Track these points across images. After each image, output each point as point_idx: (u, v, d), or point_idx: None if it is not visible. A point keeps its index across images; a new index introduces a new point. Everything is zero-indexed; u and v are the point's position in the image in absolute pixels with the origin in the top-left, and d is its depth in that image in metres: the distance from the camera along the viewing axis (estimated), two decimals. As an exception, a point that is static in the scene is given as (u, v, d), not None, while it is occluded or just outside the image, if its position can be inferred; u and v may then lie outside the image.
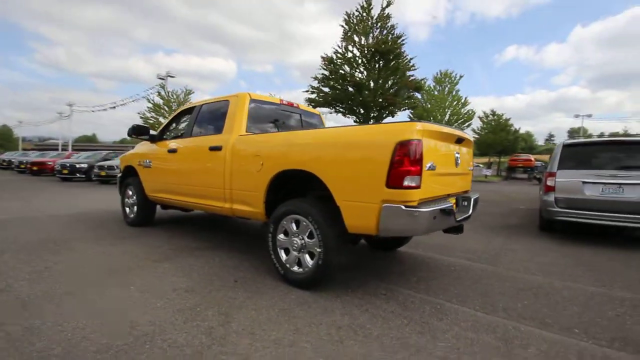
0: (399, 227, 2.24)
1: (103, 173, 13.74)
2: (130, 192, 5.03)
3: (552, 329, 2.24)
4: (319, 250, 2.59)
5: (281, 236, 2.89)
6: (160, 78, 22.38)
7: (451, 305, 2.56)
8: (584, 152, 4.87)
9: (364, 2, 10.96)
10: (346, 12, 11.18)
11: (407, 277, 3.16)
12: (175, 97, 14.13)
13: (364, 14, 11.00)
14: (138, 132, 4.39)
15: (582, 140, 5.25)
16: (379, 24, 10.72)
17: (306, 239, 2.71)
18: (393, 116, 12.27)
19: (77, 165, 15.06)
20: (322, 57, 11.47)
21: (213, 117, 3.87)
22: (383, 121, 12.25)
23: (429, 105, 19.92)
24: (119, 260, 3.32)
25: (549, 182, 4.91)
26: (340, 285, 2.83)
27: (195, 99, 14.40)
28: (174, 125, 4.65)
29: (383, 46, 10.08)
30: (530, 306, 2.58)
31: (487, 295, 2.78)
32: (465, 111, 20.65)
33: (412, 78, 11.08)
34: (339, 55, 11.19)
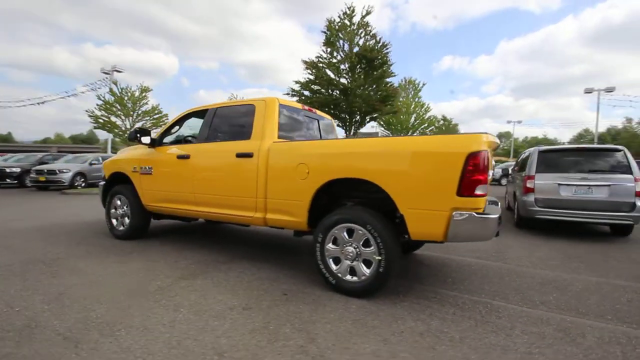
0: (469, 233, 2.36)
1: (42, 178, 12.11)
2: (119, 202, 4.53)
3: (590, 317, 2.53)
4: (378, 258, 2.61)
5: (330, 245, 2.85)
6: (105, 72, 20.24)
7: (498, 303, 2.75)
8: (557, 157, 5.54)
9: (347, 9, 11.19)
10: (327, 19, 11.37)
11: (441, 278, 3.32)
12: (129, 94, 12.90)
13: (346, 21, 11.22)
14: (142, 136, 3.97)
15: (555, 147, 5.97)
16: (362, 32, 11.02)
17: (362, 248, 2.71)
18: (375, 121, 12.69)
19: (8, 170, 13.03)
20: (304, 62, 11.44)
21: (234, 121, 3.66)
22: (364, 127, 12.59)
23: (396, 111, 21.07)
24: (140, 279, 2.99)
25: (529, 184, 5.50)
26: (388, 292, 2.87)
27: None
28: (175, 129, 4.29)
29: (371, 53, 10.38)
30: (560, 298, 2.88)
31: (519, 291, 3.04)
32: (428, 117, 22.15)
33: (389, 84, 11.57)
34: (321, 60, 11.25)
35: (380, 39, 10.93)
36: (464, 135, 2.43)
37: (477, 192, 2.31)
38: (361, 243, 2.71)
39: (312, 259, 2.98)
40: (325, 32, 11.16)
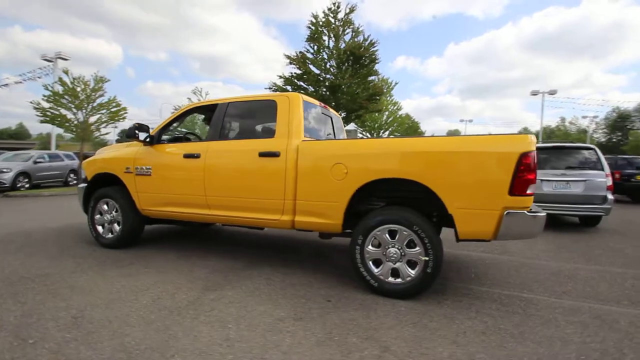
0: (519, 231, 2.42)
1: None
2: (106, 207, 4.04)
3: (611, 304, 2.75)
4: (425, 258, 2.59)
5: (371, 247, 2.78)
6: (47, 60, 18.04)
7: (528, 295, 2.88)
8: (538, 154, 5.97)
9: (332, 5, 11.02)
10: (312, 14, 11.10)
11: (465, 274, 3.40)
12: (83, 84, 11.52)
13: (331, 18, 11.04)
14: (140, 132, 3.54)
15: (536, 145, 6.42)
16: (347, 28, 10.92)
17: (406, 249, 2.68)
18: (359, 119, 12.68)
19: None
20: (288, 56, 11.07)
21: (251, 118, 3.42)
22: (348, 125, 12.42)
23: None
24: (161, 294, 2.67)
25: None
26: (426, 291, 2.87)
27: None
28: (174, 125, 3.91)
29: (361, 50, 10.32)
30: (577, 287, 3.10)
31: (540, 282, 3.22)
32: (399, 115, 22.87)
33: (374, 82, 11.66)
34: (306, 56, 10.94)
35: (368, 36, 11.04)
36: (515, 135, 2.49)
37: (528, 191, 2.38)
38: (405, 244, 2.68)
39: (344, 261, 2.89)
40: (310, 28, 10.96)
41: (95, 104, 11.96)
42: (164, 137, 3.89)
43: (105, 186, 4.13)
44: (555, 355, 1.95)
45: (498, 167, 2.42)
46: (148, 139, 3.67)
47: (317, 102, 3.72)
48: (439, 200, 2.58)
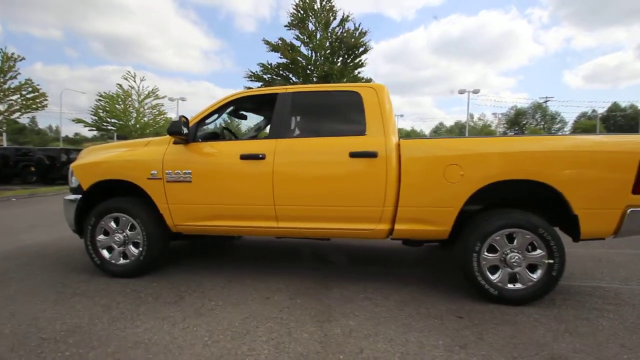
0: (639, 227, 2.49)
1: None
2: (115, 225, 3.09)
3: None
4: (550, 261, 2.52)
5: (487, 254, 2.60)
6: None
7: (599, 285, 3.02)
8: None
9: None
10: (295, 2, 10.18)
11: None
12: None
13: (310, 3, 10.28)
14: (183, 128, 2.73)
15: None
16: (331, 15, 10.31)
17: (526, 252, 2.57)
18: None
19: None
20: (266, 42, 10.02)
21: (326, 112, 2.91)
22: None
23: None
24: (272, 335, 2.09)
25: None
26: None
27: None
28: (213, 118, 3.16)
29: (352, 40, 9.82)
30: (631, 272, 3.38)
31: (594, 270, 3.43)
32: None
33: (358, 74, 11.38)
34: (291, 44, 10.05)
35: (359, 25, 10.68)
36: (635, 135, 2.54)
37: (650, 189, 2.45)
38: (525, 247, 2.57)
39: (452, 269, 2.67)
40: (296, 12, 10.14)
41: (4, 87, 9.36)
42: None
43: (107, 197, 3.16)
44: None
45: (622, 167, 2.44)
46: (184, 137, 2.88)
47: None
48: (560, 201, 2.52)
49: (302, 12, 10.38)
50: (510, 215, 2.59)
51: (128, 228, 3.09)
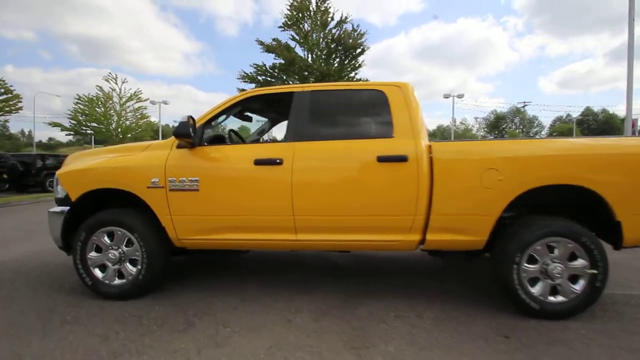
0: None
1: None
2: (109, 240, 2.74)
3: None
4: (593, 271, 2.35)
5: (527, 265, 2.42)
6: None
7: (630, 292, 2.90)
8: None
9: None
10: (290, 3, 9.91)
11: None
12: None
13: (312, 3, 10.05)
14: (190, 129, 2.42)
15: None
16: (326, 16, 10.08)
17: (567, 263, 2.40)
18: None
19: None
20: (260, 42, 9.66)
21: (348, 112, 2.68)
22: None
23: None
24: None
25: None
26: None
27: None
28: (221, 119, 2.86)
29: (350, 41, 9.61)
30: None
31: (622, 276, 3.33)
32: None
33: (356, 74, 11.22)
34: (286, 45, 9.76)
35: (358, 26, 10.50)
36: None
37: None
38: (567, 257, 2.40)
39: (478, 280, 2.47)
40: (291, 12, 9.89)
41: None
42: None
43: (98, 209, 2.80)
44: None
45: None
46: (192, 139, 2.57)
47: None
48: (600, 206, 2.37)
49: (296, 12, 10.16)
50: (552, 223, 2.42)
51: (124, 243, 2.74)
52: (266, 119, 3.91)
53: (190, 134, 2.46)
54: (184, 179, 2.62)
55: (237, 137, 3.41)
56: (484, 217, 2.43)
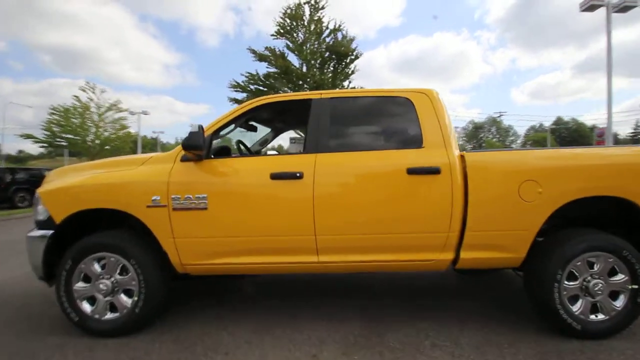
0: None
1: None
2: (100, 268, 2.38)
3: None
4: (634, 287, 2.22)
5: (567, 282, 2.26)
6: None
7: None
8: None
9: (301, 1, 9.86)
10: (283, 7, 9.76)
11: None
12: None
13: (305, 11, 9.90)
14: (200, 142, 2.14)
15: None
16: (320, 25, 9.94)
17: (608, 278, 2.25)
18: None
19: None
20: (252, 50, 9.36)
21: (371, 121, 2.48)
22: None
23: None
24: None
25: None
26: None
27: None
28: (229, 129, 2.59)
29: (342, 48, 9.47)
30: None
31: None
32: None
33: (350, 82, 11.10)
34: (281, 52, 9.51)
35: (346, 32, 10.39)
36: None
37: None
38: (607, 272, 2.26)
39: (500, 297, 2.29)
40: (284, 20, 9.70)
41: None
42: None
43: (86, 232, 2.45)
44: None
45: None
46: (202, 151, 2.28)
47: None
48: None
49: (290, 20, 10.04)
50: (592, 236, 2.28)
51: (118, 272, 2.39)
52: (269, 129, 3.67)
53: (202, 146, 2.17)
54: (190, 196, 2.32)
55: (246, 149, 3.13)
56: (523, 232, 2.26)
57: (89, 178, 2.49)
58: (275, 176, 2.30)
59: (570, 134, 57.49)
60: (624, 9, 10.29)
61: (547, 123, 55.59)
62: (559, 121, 58.20)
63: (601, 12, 10.62)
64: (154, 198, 2.33)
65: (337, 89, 2.60)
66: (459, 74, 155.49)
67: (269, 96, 2.54)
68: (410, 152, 2.34)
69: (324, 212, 2.28)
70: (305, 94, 2.53)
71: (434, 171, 2.25)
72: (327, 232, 2.29)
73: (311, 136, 2.43)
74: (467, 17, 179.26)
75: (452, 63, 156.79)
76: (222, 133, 2.59)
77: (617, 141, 40.76)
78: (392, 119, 2.54)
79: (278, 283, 3.53)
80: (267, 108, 2.66)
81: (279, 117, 3.20)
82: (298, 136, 10.12)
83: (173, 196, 2.33)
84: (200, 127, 2.19)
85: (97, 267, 2.40)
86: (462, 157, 2.32)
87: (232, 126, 2.61)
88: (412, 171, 2.26)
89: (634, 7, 10.16)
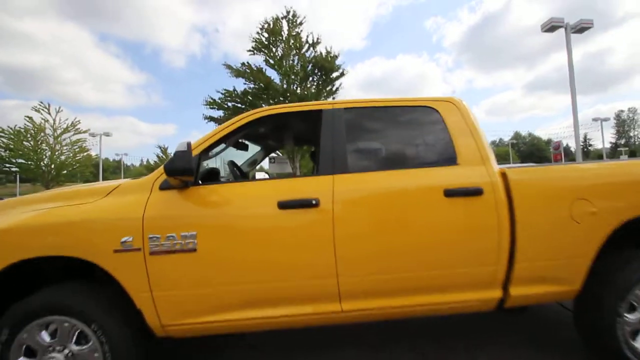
0: None
1: None
2: (48, 337, 1.76)
3: None
4: None
5: (629, 315, 1.94)
6: None
7: None
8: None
9: (285, 12, 9.57)
10: (261, 22, 9.37)
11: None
12: None
13: (283, 26, 9.58)
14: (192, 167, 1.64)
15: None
16: (298, 41, 9.63)
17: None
18: None
19: None
20: (228, 66, 8.81)
21: (398, 135, 2.11)
22: None
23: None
24: None
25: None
26: None
27: None
28: (220, 148, 2.11)
29: (327, 64, 9.16)
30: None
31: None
32: None
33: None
34: (258, 70, 9.04)
35: (331, 47, 10.14)
36: None
37: None
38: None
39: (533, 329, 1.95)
40: (261, 35, 9.32)
41: None
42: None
43: (29, 288, 1.83)
44: None
45: None
46: (192, 177, 1.78)
47: None
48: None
49: (268, 35, 9.76)
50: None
51: (73, 340, 1.78)
52: (259, 148, 3.21)
53: (192, 170, 1.67)
54: (174, 234, 1.79)
55: (239, 172, 2.62)
56: (578, 259, 1.94)
57: (35, 216, 1.88)
58: (284, 205, 1.84)
59: (527, 148, 61.40)
60: (581, 30, 11.04)
61: (506, 138, 59.24)
62: (517, 136, 62.21)
63: (548, 36, 11.46)
64: (123, 240, 1.77)
65: (348, 99, 2.35)
66: (422, 92, 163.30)
67: (267, 107, 2.10)
68: (444, 171, 1.97)
69: (347, 247, 1.83)
70: (314, 104, 2.11)
71: (476, 192, 1.89)
72: (351, 272, 1.84)
73: (325, 154, 1.99)
74: (426, 41, 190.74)
75: (415, 83, 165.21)
76: (211, 154, 2.10)
77: (568, 153, 43.68)
78: (417, 132, 2.18)
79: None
80: (266, 122, 2.21)
81: (277, 132, 2.76)
82: (278, 155, 9.72)
83: (150, 235, 1.78)
84: (189, 145, 1.70)
85: (44, 335, 1.77)
86: (503, 174, 1.99)
87: (223, 146, 2.13)
88: (450, 193, 1.89)
89: (589, 28, 10.93)
